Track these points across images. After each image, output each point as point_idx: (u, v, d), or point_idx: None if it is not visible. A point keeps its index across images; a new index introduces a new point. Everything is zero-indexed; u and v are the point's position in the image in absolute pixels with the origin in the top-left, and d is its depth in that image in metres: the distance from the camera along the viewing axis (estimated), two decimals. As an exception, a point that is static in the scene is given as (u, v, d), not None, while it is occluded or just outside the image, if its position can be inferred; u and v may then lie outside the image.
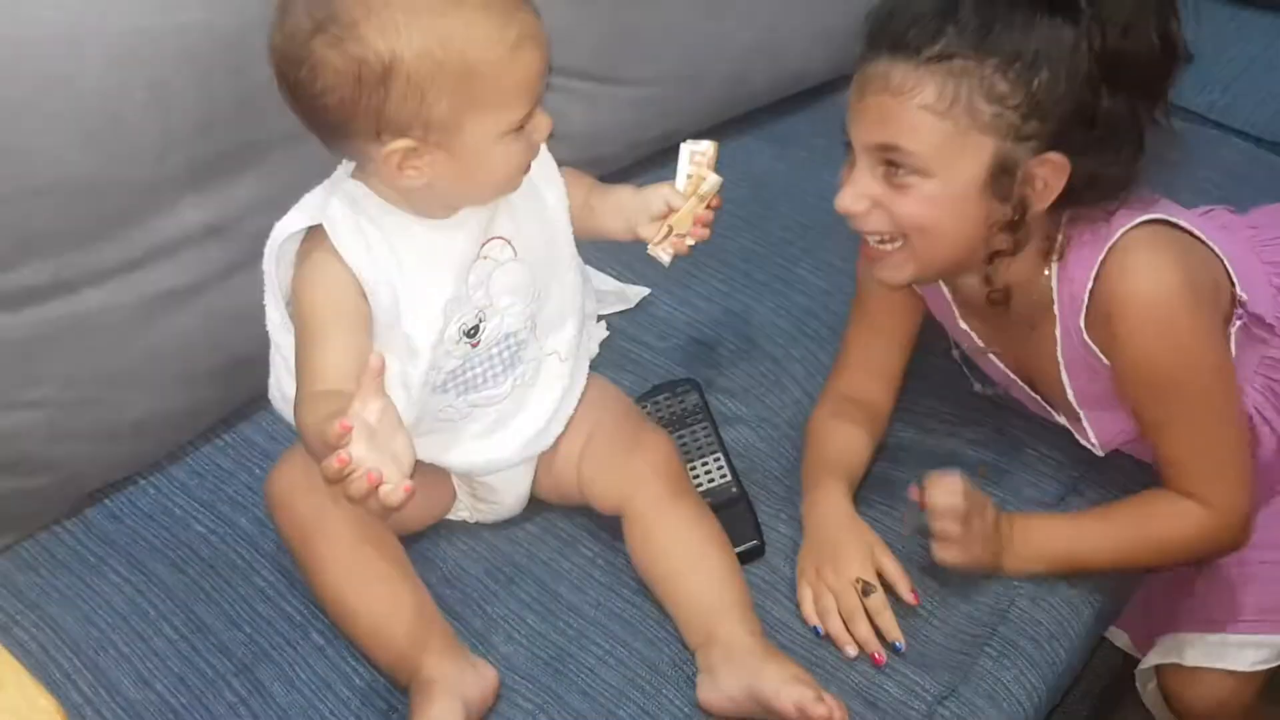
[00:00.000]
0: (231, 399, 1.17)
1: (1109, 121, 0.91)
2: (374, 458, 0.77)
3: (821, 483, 1.07)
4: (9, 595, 1.04)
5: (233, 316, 1.12)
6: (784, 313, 1.29)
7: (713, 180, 1.00)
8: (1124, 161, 0.93)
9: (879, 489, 1.11)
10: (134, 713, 0.97)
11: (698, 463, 1.12)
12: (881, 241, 0.97)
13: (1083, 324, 0.98)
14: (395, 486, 0.77)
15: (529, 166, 0.95)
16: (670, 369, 1.23)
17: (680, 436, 1.14)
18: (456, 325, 0.97)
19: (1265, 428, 1.06)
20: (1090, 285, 0.96)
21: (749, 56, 1.47)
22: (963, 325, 1.10)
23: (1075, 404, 1.05)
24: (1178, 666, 1.15)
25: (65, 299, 1.03)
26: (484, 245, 0.97)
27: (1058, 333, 1.00)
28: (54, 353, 1.03)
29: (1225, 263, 1.00)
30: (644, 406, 1.17)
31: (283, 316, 0.97)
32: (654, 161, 1.45)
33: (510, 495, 1.08)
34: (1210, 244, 1.00)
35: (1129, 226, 0.96)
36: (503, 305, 0.99)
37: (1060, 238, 0.97)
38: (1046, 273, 0.99)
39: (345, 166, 0.98)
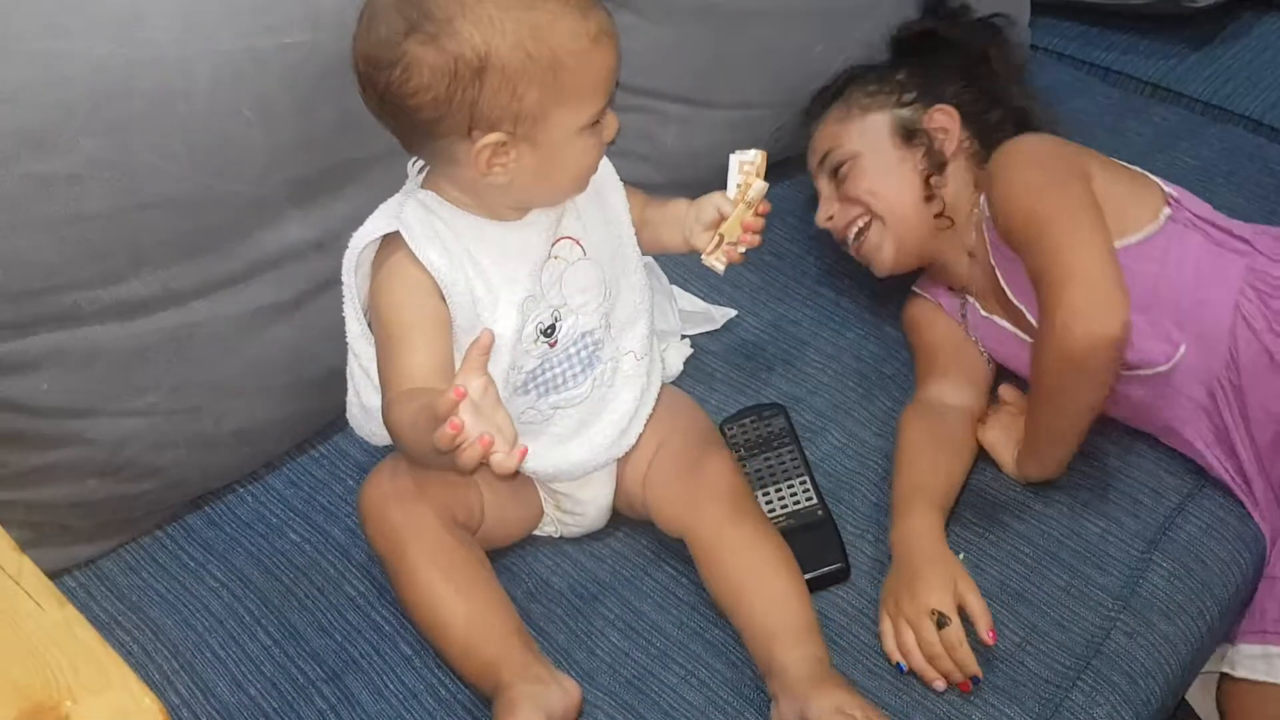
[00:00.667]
0: (328, 410, 1.19)
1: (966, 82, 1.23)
2: (482, 426, 0.79)
3: (912, 509, 1.06)
4: (112, 597, 1.08)
5: (331, 329, 1.14)
6: (873, 338, 1.28)
7: (759, 186, 1.02)
8: (1006, 106, 1.23)
9: (974, 508, 1.09)
10: (228, 715, 0.99)
11: (783, 485, 1.12)
12: (859, 235, 1.21)
13: (986, 217, 1.14)
14: (506, 454, 0.79)
15: (597, 166, 0.98)
16: (756, 389, 1.23)
17: (766, 459, 1.14)
18: (534, 324, 0.99)
19: (1248, 333, 1.07)
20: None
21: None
22: (975, 306, 1.20)
23: (1014, 299, 1.13)
24: (1229, 678, 1.11)
25: (173, 310, 1.06)
26: (554, 245, 0.99)
27: (987, 243, 1.15)
28: (161, 362, 1.06)
29: (1146, 173, 1.15)
30: (730, 429, 1.17)
31: (362, 327, 1.00)
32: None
33: (593, 507, 1.08)
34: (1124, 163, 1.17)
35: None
36: (577, 304, 1.01)
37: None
38: (979, 206, 1.16)
39: (414, 179, 1.01)
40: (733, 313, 1.30)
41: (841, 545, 1.07)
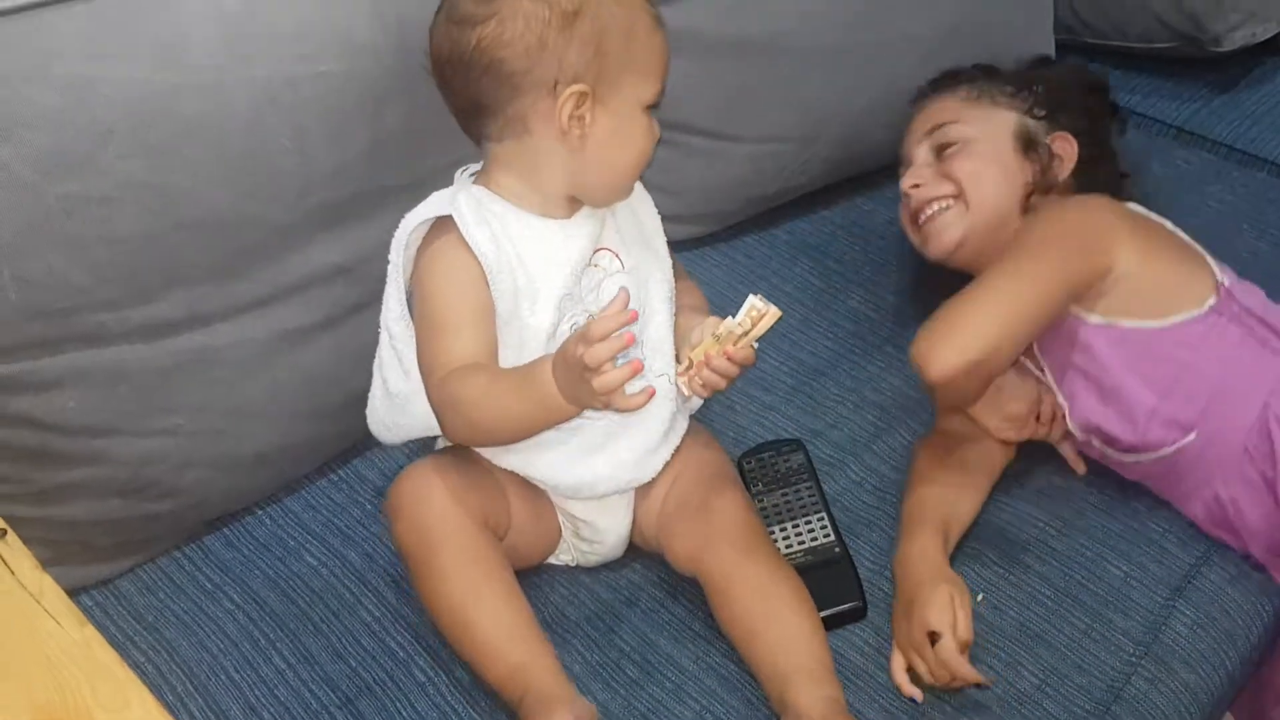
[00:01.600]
0: (348, 435, 1.20)
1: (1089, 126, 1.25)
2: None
3: (912, 533, 1.06)
4: (129, 616, 1.08)
5: (354, 355, 1.15)
6: (894, 370, 1.28)
7: (729, 324, 0.97)
8: (1112, 166, 1.26)
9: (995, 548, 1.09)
10: (241, 738, 0.99)
11: (801, 521, 1.11)
12: (936, 211, 1.20)
13: None
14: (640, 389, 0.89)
15: (649, 158, 1.02)
16: (774, 421, 1.23)
17: (784, 494, 1.14)
18: (569, 323, 1.00)
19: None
20: None
21: (865, 117, 1.47)
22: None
23: (1036, 351, 1.14)
24: None
25: (199, 332, 1.07)
26: (595, 253, 1.02)
27: None
28: (186, 383, 1.07)
29: (1204, 254, 1.14)
30: (748, 462, 1.17)
31: (402, 309, 1.02)
32: (767, 219, 1.46)
33: (612, 534, 1.08)
34: (1182, 235, 1.16)
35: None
36: None
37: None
38: None
39: (465, 176, 1.04)
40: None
41: (859, 583, 1.07)
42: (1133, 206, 1.18)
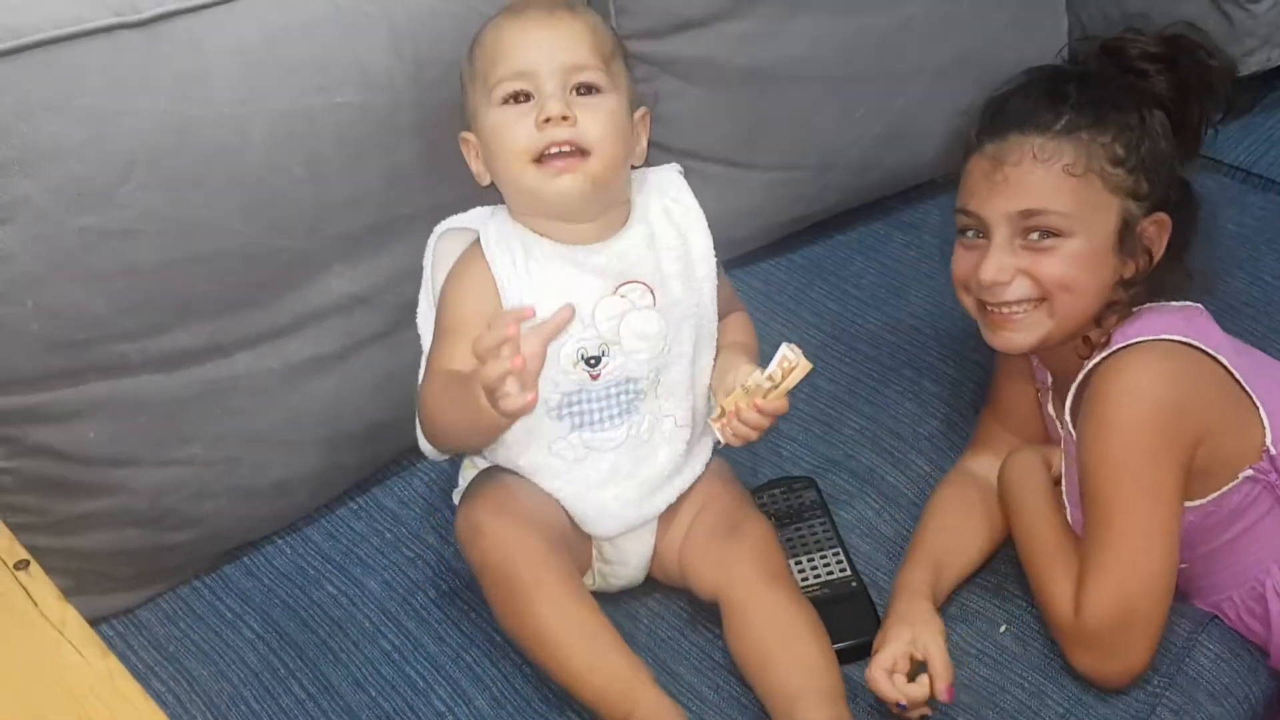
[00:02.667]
0: (367, 464, 1.20)
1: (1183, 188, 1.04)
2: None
3: (905, 564, 1.07)
4: (149, 646, 1.08)
5: (372, 384, 1.16)
6: (911, 396, 1.27)
7: (759, 377, 0.97)
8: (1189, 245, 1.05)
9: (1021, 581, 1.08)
10: (260, 769, 0.99)
11: (815, 555, 1.11)
12: (1019, 311, 1.02)
13: (1069, 400, 1.04)
14: (518, 392, 0.87)
15: (534, 145, 0.99)
16: (792, 450, 1.22)
17: (797, 529, 1.13)
18: (575, 345, 1.00)
19: None
20: (1087, 368, 1.02)
21: (881, 145, 1.48)
22: (1050, 410, 1.11)
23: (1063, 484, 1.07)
24: None
25: (218, 362, 1.07)
26: (623, 285, 1.02)
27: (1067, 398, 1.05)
28: (204, 413, 1.08)
29: (1259, 407, 1.00)
30: (760, 497, 1.16)
31: (430, 308, 1.06)
32: (784, 245, 1.47)
33: (635, 557, 1.08)
34: (1241, 381, 1.01)
35: (1148, 339, 1.00)
36: (630, 347, 1.02)
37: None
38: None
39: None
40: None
41: (876, 616, 1.06)
42: (1188, 340, 1.00)
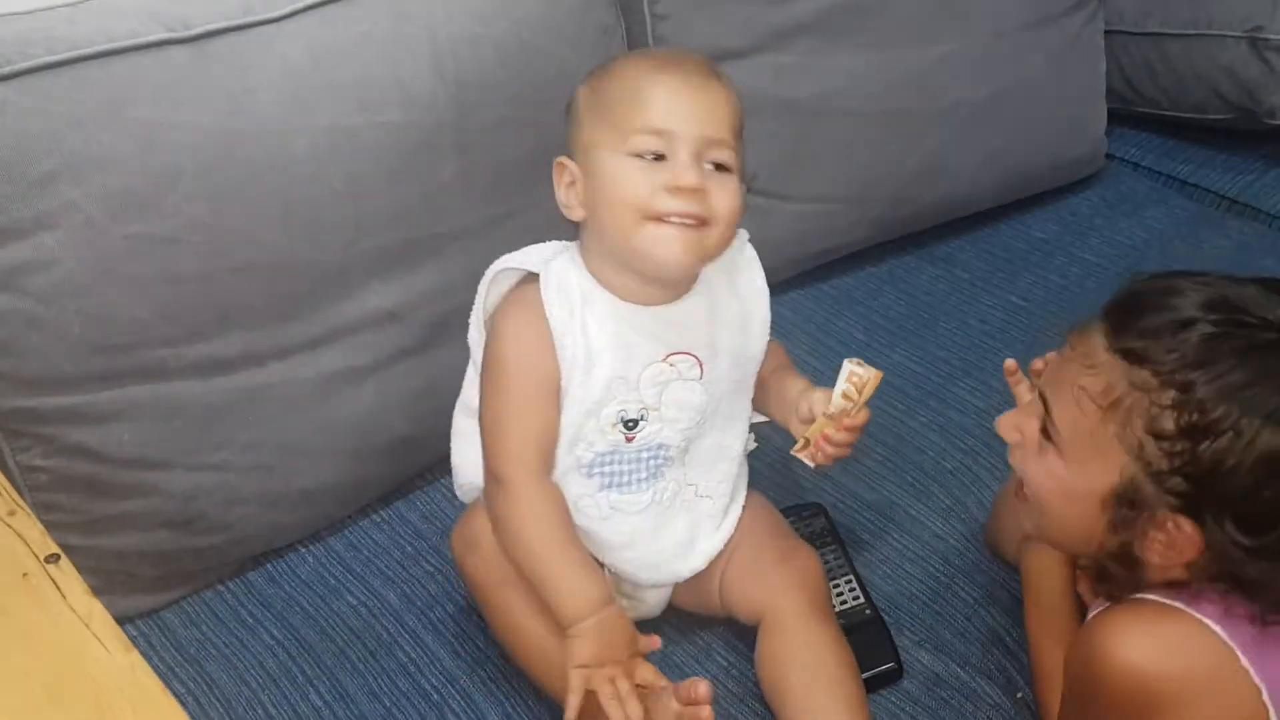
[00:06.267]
0: (392, 477, 1.22)
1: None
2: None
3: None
4: (171, 648, 1.10)
5: (401, 398, 1.18)
6: (936, 427, 1.27)
7: (839, 402, 0.98)
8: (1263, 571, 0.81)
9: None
10: (275, 774, 1.00)
11: (828, 584, 1.11)
12: (1021, 485, 0.94)
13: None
14: None
15: (642, 210, 0.94)
16: (812, 480, 1.22)
17: (810, 558, 1.13)
18: (616, 407, 0.99)
19: None
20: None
21: (915, 179, 1.49)
22: None
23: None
24: None
25: (252, 371, 1.09)
26: (672, 354, 1.00)
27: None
28: (237, 420, 1.10)
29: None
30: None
31: (480, 336, 1.03)
32: (814, 275, 1.47)
33: (652, 596, 1.08)
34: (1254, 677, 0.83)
35: (1165, 604, 0.85)
36: (668, 415, 1.01)
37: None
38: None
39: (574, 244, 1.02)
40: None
41: (893, 644, 1.06)
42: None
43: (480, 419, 1.00)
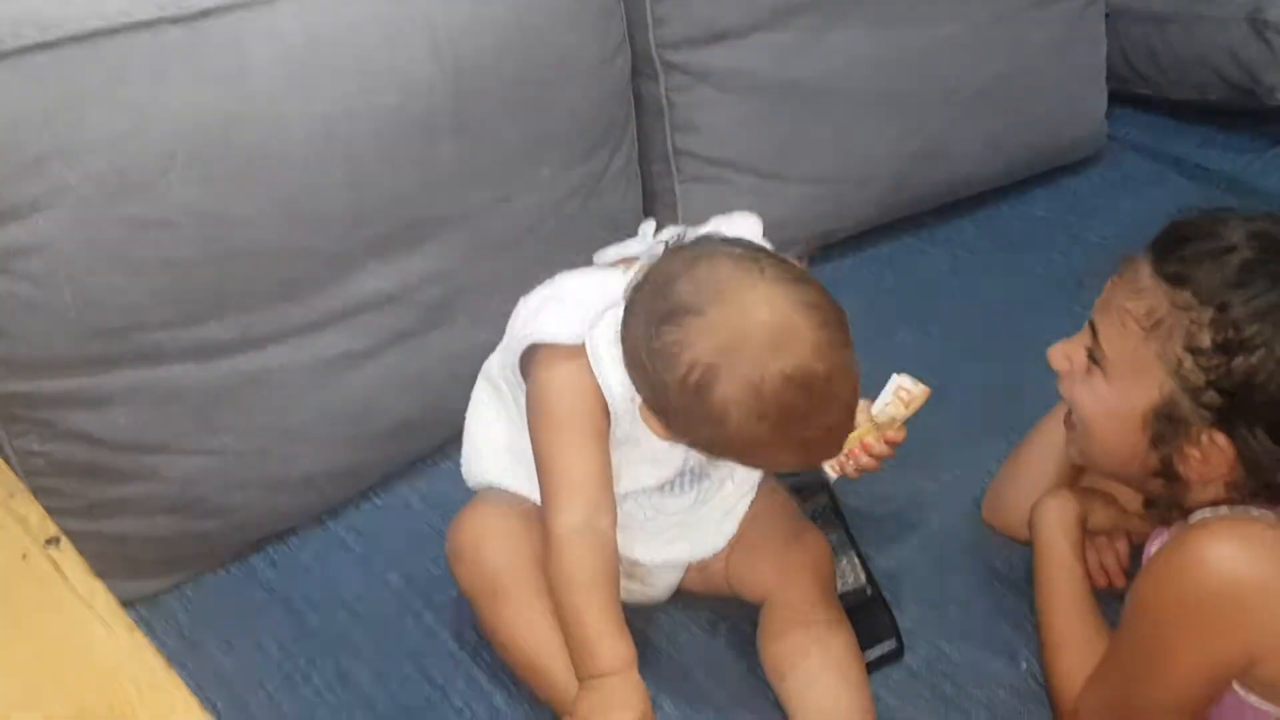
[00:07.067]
0: (392, 461, 1.21)
1: None
2: None
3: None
4: (173, 632, 1.09)
5: (399, 382, 1.17)
6: (939, 409, 1.26)
7: (890, 411, 0.98)
8: None
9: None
10: (279, 758, 1.00)
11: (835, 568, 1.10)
12: (1069, 414, 0.98)
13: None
14: None
15: None
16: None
17: (811, 537, 1.13)
18: (657, 482, 1.00)
19: None
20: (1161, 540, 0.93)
21: (916, 161, 1.48)
22: None
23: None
24: None
25: (250, 355, 1.09)
26: None
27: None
28: (235, 404, 1.09)
29: None
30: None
31: (513, 376, 0.99)
32: (816, 257, 1.47)
33: (662, 581, 1.08)
34: None
35: (1245, 515, 0.88)
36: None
37: None
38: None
39: (625, 276, 0.94)
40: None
41: (894, 623, 1.06)
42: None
43: (537, 467, 0.97)
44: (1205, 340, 0.86)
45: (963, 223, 1.53)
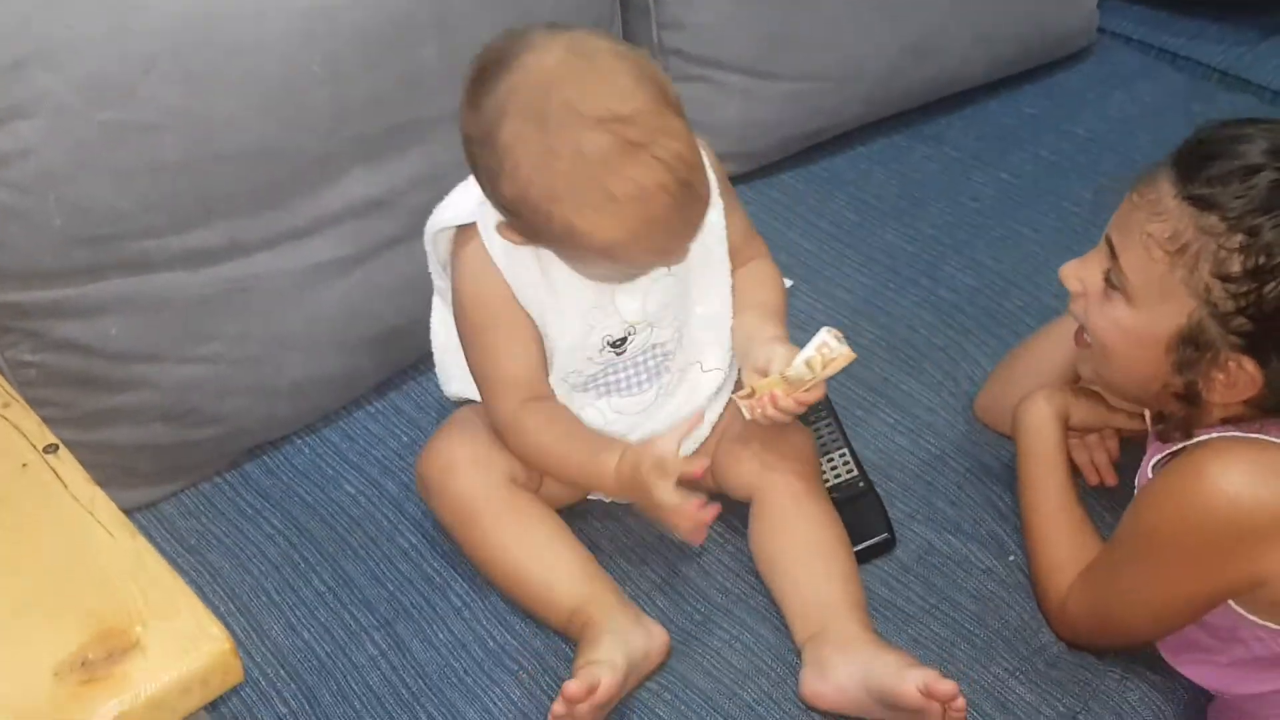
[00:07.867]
0: (384, 367, 1.21)
1: None
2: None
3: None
4: (171, 539, 1.10)
5: (389, 288, 1.17)
6: (928, 306, 1.28)
7: (800, 370, 0.94)
8: None
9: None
10: (281, 657, 1.02)
11: (823, 458, 1.11)
12: (1081, 332, 0.96)
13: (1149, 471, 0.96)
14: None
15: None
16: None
17: (804, 431, 1.14)
18: (600, 334, 0.99)
19: None
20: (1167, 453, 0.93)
21: (905, 57, 1.46)
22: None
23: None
24: None
25: (239, 261, 1.08)
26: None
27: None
28: (225, 312, 1.09)
29: None
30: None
31: (444, 283, 1.03)
32: (804, 157, 1.46)
33: None
34: None
35: (1256, 438, 0.88)
36: (654, 317, 1.00)
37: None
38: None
39: None
40: (789, 283, 1.30)
41: (886, 516, 1.08)
42: None
43: (472, 370, 1.01)
44: (1235, 267, 0.84)
45: (952, 119, 1.51)
